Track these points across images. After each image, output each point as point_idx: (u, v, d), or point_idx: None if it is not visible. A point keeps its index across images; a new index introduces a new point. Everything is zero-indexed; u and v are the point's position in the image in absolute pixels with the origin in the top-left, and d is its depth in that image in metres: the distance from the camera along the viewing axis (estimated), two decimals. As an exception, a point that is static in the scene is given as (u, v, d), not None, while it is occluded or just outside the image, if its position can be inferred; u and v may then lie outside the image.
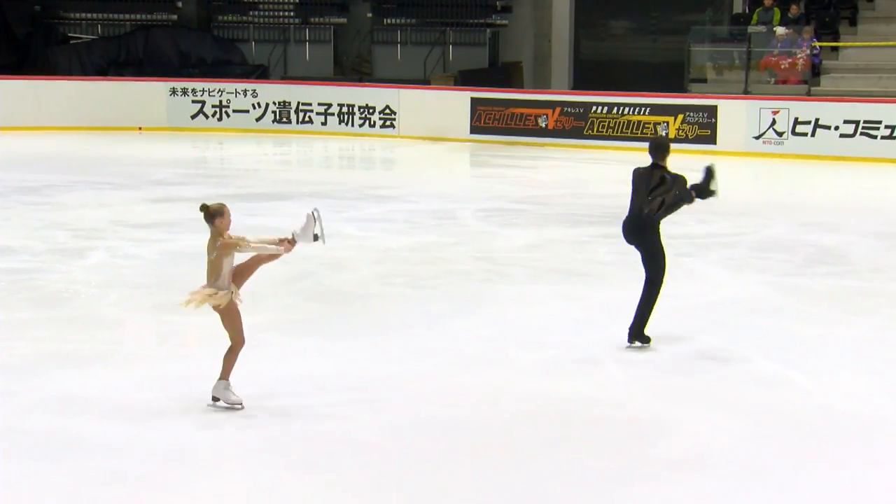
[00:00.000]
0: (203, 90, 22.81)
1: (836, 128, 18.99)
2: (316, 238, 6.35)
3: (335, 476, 5.75)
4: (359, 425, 6.33)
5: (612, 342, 8.01)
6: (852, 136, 18.90)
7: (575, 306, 9.22)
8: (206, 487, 5.55)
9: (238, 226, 12.62)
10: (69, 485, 5.57)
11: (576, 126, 20.90)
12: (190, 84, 22.93)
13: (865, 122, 18.83)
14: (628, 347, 7.72)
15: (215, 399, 6.46)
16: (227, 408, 6.41)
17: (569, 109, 21.00)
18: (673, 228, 12.84)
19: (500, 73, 25.37)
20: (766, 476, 5.70)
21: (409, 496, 5.48)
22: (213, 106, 22.79)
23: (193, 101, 22.80)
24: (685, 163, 19.41)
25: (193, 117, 22.81)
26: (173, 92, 22.84)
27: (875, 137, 18.78)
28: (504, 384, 7.11)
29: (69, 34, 25.95)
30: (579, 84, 25.27)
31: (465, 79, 24.07)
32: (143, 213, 13.40)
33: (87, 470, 5.73)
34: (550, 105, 21.24)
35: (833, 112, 19.08)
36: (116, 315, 8.89)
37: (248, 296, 9.35)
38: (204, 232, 12.78)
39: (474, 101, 21.81)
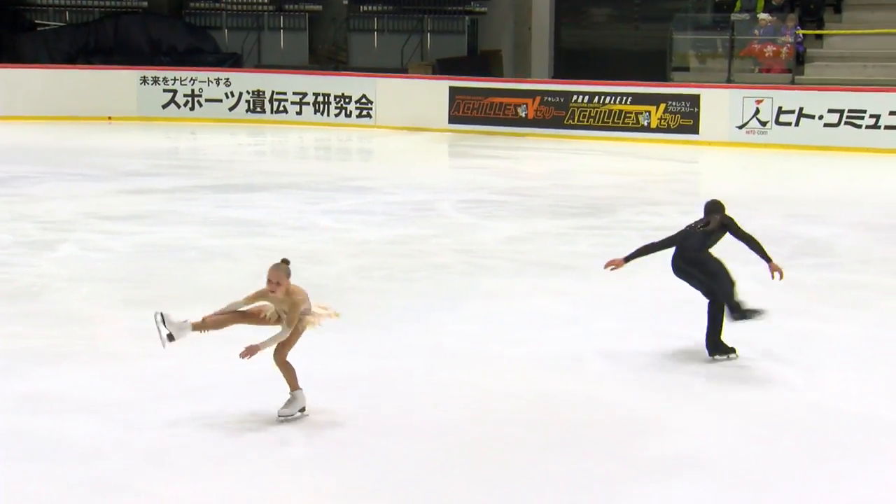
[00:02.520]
0: (175, 79, 22.53)
1: (821, 117, 18.90)
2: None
3: (320, 476, 5.62)
4: (342, 424, 6.20)
5: (598, 337, 7.93)
6: (837, 125, 18.81)
7: (559, 300, 9.11)
8: (185, 489, 5.42)
9: (212, 217, 12.58)
10: (43, 487, 5.41)
11: (556, 115, 20.72)
12: (161, 73, 22.65)
13: (850, 111, 18.73)
14: (709, 360, 7.43)
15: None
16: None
17: (549, 99, 20.82)
18: (658, 220, 12.75)
19: (479, 61, 25.20)
20: (758, 475, 5.61)
21: (393, 496, 5.36)
22: (185, 95, 22.51)
23: (165, 90, 22.51)
24: (667, 152, 19.53)
25: (165, 107, 22.54)
26: (144, 81, 22.53)
27: (860, 127, 18.69)
28: (490, 381, 6.99)
29: (36, 21, 25.60)
30: (560, 73, 25.14)
31: (443, 67, 23.87)
32: (114, 205, 13.21)
33: (62, 472, 5.58)
34: (530, 94, 21.06)
35: (817, 101, 19.00)
36: (88, 310, 8.72)
37: (226, 289, 9.18)
38: (177, 224, 12.52)
39: (453, 91, 21.62)
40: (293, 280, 6.14)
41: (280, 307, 6.09)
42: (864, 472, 5.68)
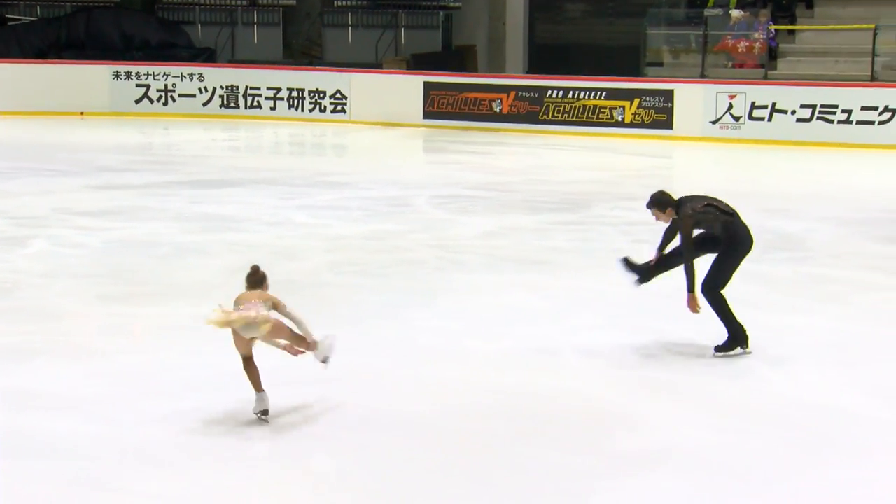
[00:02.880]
0: (147, 74, 22.41)
1: (793, 112, 18.98)
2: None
3: (292, 472, 5.59)
4: (315, 420, 6.18)
5: (572, 332, 7.91)
6: (809, 120, 18.90)
7: (534, 296, 9.09)
8: (160, 485, 5.39)
9: (186, 213, 12.52)
10: (20, 485, 5.37)
11: (531, 111, 20.73)
12: (134, 67, 22.53)
13: (822, 106, 18.83)
14: (714, 356, 7.42)
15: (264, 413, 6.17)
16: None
17: (524, 94, 20.82)
18: (632, 215, 12.77)
19: (454, 56, 25.18)
20: (731, 469, 5.62)
21: (367, 492, 5.33)
22: (159, 90, 22.39)
23: (138, 86, 22.39)
24: (641, 147, 19.57)
25: (138, 102, 22.42)
26: (116, 76, 22.40)
27: (832, 122, 18.79)
28: (464, 376, 6.97)
29: (7, 15, 25.37)
30: (534, 68, 25.15)
31: (417, 63, 23.84)
32: (87, 201, 13.13)
33: (38, 468, 5.55)
34: (505, 89, 21.06)
35: (790, 96, 19.08)
36: (62, 306, 8.66)
37: (200, 285, 9.18)
38: (150, 219, 12.46)
39: (427, 86, 21.59)
40: (269, 277, 6.19)
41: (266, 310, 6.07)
42: (835, 464, 5.70)
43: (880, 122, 18.55)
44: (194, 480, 5.43)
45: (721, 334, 7.40)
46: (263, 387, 6.06)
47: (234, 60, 25.06)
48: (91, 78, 22.40)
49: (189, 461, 5.65)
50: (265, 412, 6.07)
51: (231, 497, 5.28)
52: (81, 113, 22.20)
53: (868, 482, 5.51)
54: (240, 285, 9.09)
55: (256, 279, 6.12)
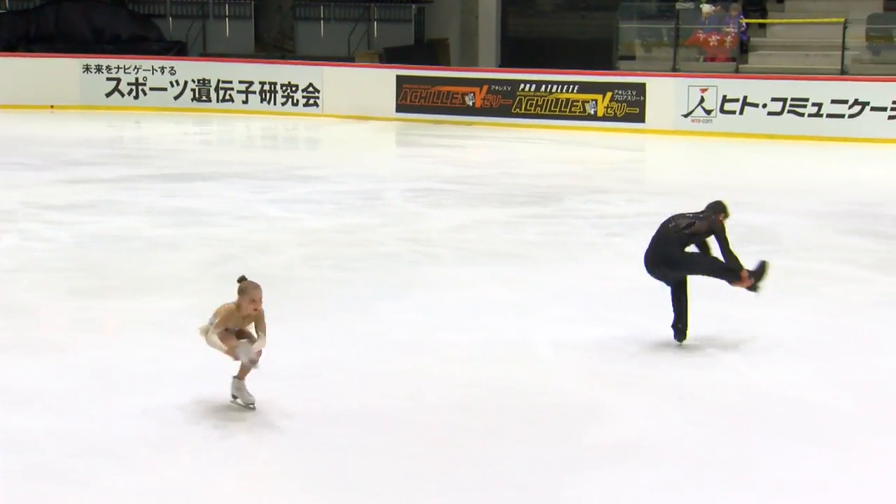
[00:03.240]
0: (118, 67, 22.28)
1: (764, 105, 19.09)
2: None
3: (265, 466, 5.57)
4: (287, 414, 6.15)
5: (544, 326, 7.92)
6: (780, 113, 19.01)
7: (505, 289, 9.09)
8: (129, 481, 5.34)
9: (157, 207, 12.45)
10: None
11: (503, 104, 20.75)
12: (104, 61, 22.38)
13: (793, 99, 18.93)
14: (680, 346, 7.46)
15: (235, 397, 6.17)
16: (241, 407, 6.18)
17: (496, 87, 20.84)
18: (605, 208, 12.83)
19: (426, 50, 25.17)
20: (701, 461, 5.63)
21: (339, 487, 5.31)
22: (129, 84, 22.26)
23: (108, 79, 22.26)
24: (614, 140, 19.62)
25: (108, 95, 22.29)
26: (87, 69, 22.26)
27: (802, 115, 18.90)
28: (434, 370, 6.96)
29: (-25, 8, 25.22)
30: (507, 61, 25.17)
31: (390, 56, 23.82)
32: (56, 195, 13.04)
33: (5, 462, 5.49)
34: (478, 83, 21.06)
35: (761, 90, 19.17)
36: (32, 301, 8.58)
37: (172, 280, 9.14)
38: (121, 213, 12.41)
39: (400, 79, 21.57)
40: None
41: (244, 322, 6.03)
42: (805, 455, 5.72)
43: (850, 116, 18.67)
44: (162, 475, 5.39)
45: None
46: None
47: (206, 54, 24.97)
48: (61, 71, 22.25)
49: (157, 456, 5.61)
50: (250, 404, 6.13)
51: (198, 492, 5.24)
52: (51, 106, 22.04)
53: (838, 473, 5.54)
54: (212, 279, 9.14)
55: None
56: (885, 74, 19.56)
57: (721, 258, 7.33)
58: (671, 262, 7.29)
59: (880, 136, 18.40)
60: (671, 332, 7.47)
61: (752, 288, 7.41)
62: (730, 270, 7.30)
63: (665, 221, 7.43)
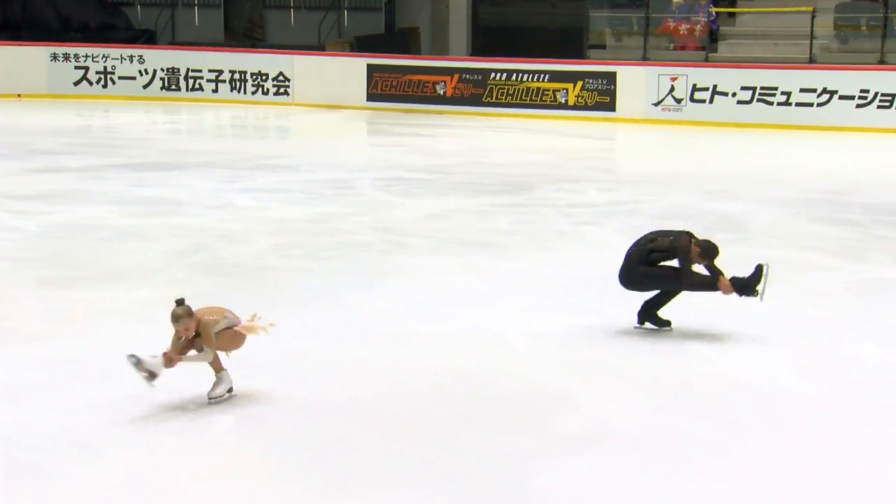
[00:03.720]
0: (86, 56, 22.10)
1: (734, 94, 19.15)
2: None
3: (232, 457, 5.57)
4: (258, 403, 6.15)
5: (515, 314, 7.93)
6: (749, 102, 19.08)
7: (476, 278, 9.10)
8: (94, 471, 5.33)
9: (126, 196, 12.37)
10: None
11: (474, 93, 20.73)
12: (72, 49, 22.20)
13: (762, 88, 19.01)
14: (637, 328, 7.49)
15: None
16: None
17: (467, 76, 20.82)
18: (575, 197, 12.85)
19: (397, 39, 25.09)
20: (668, 448, 5.66)
21: (310, 475, 5.31)
22: (98, 72, 22.10)
23: (76, 68, 22.08)
24: (585, 129, 19.62)
25: (76, 84, 22.12)
26: (54, 57, 22.08)
27: (771, 104, 18.98)
28: (407, 358, 6.98)
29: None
30: (478, 50, 25.13)
31: (360, 45, 23.74)
32: (24, 184, 12.95)
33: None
34: (448, 72, 21.04)
35: (730, 78, 19.24)
36: (-2, 291, 8.52)
37: (141, 270, 9.09)
38: (90, 203, 12.31)
39: (371, 68, 21.52)
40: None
41: (191, 344, 6.00)
42: (773, 442, 5.75)
43: (819, 104, 18.77)
44: (128, 466, 5.37)
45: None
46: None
47: (175, 42, 24.81)
48: (28, 60, 22.06)
49: (124, 447, 5.59)
50: (230, 389, 6.12)
51: (166, 483, 5.23)
52: (18, 95, 21.86)
53: (806, 459, 5.59)
54: (182, 269, 9.12)
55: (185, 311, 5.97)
56: (853, 63, 19.68)
57: (706, 274, 7.31)
58: (630, 278, 7.32)
59: (849, 125, 18.51)
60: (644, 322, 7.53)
61: (752, 293, 7.34)
62: (703, 282, 7.29)
63: (638, 238, 7.46)
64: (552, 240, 10.63)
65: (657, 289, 7.39)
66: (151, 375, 5.88)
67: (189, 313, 5.89)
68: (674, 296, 7.45)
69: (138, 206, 11.79)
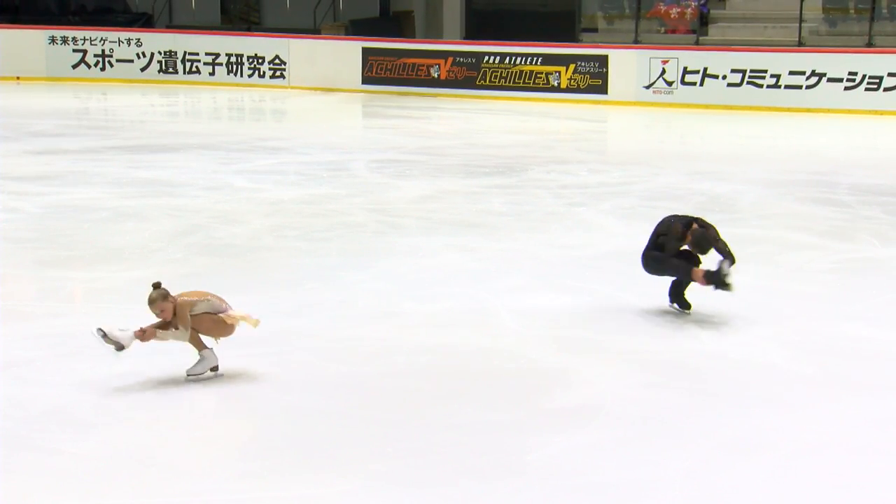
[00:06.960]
0: (84, 39, 22.16)
1: (724, 77, 19.26)
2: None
3: (225, 434, 5.64)
4: (251, 380, 6.21)
5: (507, 294, 8.00)
6: (739, 85, 19.20)
7: (469, 258, 9.17)
8: (88, 446, 5.39)
9: (123, 178, 12.47)
10: None
11: (468, 76, 20.83)
12: (70, 32, 22.26)
13: (752, 71, 19.13)
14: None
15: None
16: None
17: (461, 59, 20.92)
18: (567, 178, 12.97)
19: (392, 22, 25.16)
20: (659, 424, 5.74)
21: (304, 451, 5.39)
22: (96, 55, 22.16)
23: (74, 51, 22.15)
24: (577, 112, 19.71)
25: (75, 67, 22.18)
26: (53, 40, 22.14)
27: (761, 87, 19.10)
28: (398, 337, 7.06)
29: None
30: (471, 34, 25.19)
31: (356, 28, 23.80)
32: (22, 166, 13.02)
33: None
34: (442, 55, 21.12)
35: (721, 61, 19.35)
36: (-4, 271, 8.58)
37: (138, 250, 9.20)
38: (87, 184, 12.41)
39: (366, 52, 21.60)
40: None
41: (169, 324, 6.09)
42: (759, 418, 5.84)
43: (807, 87, 18.91)
44: (123, 442, 5.42)
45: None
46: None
47: (172, 26, 24.84)
48: (27, 43, 22.11)
49: (119, 423, 5.64)
50: (215, 368, 6.19)
51: (156, 457, 5.27)
52: (17, 78, 21.91)
53: (792, 434, 5.66)
54: (179, 249, 9.22)
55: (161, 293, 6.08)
56: (842, 46, 19.80)
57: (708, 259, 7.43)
58: (642, 261, 7.50)
59: (836, 107, 18.65)
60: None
61: (726, 287, 7.41)
62: (678, 268, 7.42)
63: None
64: (544, 220, 10.73)
65: (658, 272, 7.54)
66: (119, 347, 5.99)
67: (164, 296, 5.97)
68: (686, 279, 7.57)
69: (135, 187, 11.88)
